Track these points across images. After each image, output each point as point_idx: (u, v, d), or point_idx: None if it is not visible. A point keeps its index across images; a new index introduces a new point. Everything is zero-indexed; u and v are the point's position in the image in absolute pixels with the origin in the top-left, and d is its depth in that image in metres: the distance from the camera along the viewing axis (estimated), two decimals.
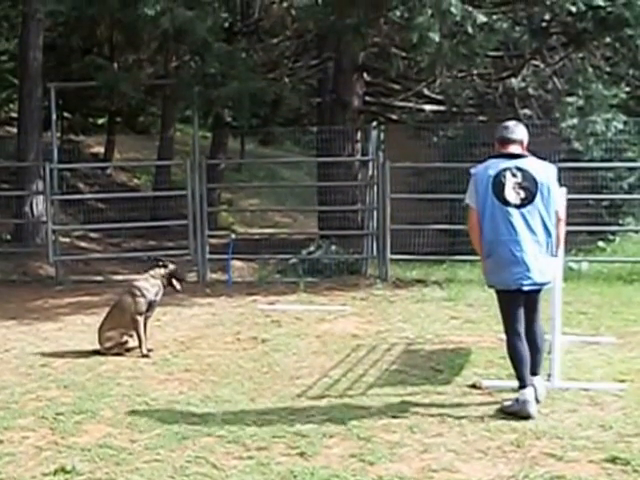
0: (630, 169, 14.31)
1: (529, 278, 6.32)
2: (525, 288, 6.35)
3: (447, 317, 9.95)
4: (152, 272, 8.48)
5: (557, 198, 6.49)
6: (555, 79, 13.12)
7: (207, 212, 13.27)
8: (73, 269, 13.82)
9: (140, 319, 8.19)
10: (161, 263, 8.55)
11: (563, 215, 6.63)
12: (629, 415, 6.24)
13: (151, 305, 8.35)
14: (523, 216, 6.33)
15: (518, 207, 6.32)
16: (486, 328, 8.99)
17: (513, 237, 6.32)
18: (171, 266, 8.56)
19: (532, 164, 6.42)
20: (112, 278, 13.38)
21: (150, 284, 8.36)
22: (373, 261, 13.18)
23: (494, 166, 6.42)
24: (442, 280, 12.18)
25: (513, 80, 13.27)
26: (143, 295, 8.27)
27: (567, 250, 12.02)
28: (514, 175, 6.34)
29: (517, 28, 12.85)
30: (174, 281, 8.53)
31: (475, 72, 13.33)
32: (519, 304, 6.45)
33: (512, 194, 6.31)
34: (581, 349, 8.20)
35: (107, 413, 6.40)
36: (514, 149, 6.47)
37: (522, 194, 6.31)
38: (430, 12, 10.69)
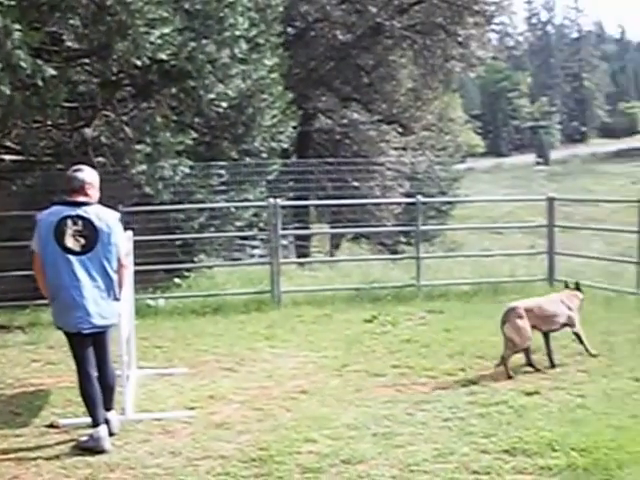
0: (200, 210, 15.09)
1: (89, 322, 6.69)
2: (85, 331, 6.71)
3: (28, 360, 10.06)
4: None
5: (120, 244, 6.85)
6: (126, 128, 13.57)
7: None
8: None
9: None
10: None
11: (125, 261, 7.01)
12: (197, 440, 6.79)
13: None
14: (83, 263, 6.64)
15: (78, 254, 6.63)
16: (65, 368, 9.08)
17: (74, 283, 6.63)
18: None
19: (95, 212, 6.72)
20: None
21: None
22: None
23: (57, 213, 6.67)
24: (25, 325, 12.19)
25: (87, 130, 13.54)
26: None
27: (144, 288, 12.74)
28: (75, 223, 6.63)
29: (95, 80, 13.29)
30: None
31: (50, 122, 13.52)
32: (86, 346, 6.78)
33: (71, 241, 6.61)
34: (155, 381, 8.68)
35: None
36: (77, 197, 6.74)
37: (82, 241, 6.63)
38: (0, 66, 10.90)
